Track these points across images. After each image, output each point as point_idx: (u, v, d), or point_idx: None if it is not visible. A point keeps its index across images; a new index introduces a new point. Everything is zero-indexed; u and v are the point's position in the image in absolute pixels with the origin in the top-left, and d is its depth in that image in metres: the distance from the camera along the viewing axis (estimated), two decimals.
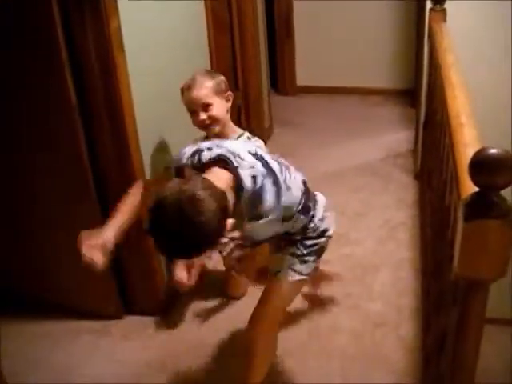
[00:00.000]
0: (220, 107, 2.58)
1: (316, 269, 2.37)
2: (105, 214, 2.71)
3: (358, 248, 3.31)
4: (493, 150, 1.25)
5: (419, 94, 4.11)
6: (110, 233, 1.96)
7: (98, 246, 1.92)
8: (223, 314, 2.99)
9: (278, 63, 5.89)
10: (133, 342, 2.85)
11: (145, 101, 2.67)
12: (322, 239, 2.26)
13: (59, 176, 2.65)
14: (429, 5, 3.53)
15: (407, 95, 5.53)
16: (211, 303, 3.07)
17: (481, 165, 1.25)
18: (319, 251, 2.29)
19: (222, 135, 2.58)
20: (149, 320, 2.96)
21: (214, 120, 2.57)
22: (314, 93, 5.82)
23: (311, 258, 2.26)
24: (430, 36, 3.51)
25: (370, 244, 3.45)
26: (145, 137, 2.68)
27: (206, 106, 2.55)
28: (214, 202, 1.53)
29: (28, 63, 2.42)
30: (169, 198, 1.51)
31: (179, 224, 1.49)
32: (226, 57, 4.39)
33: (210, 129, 2.59)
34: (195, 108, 2.56)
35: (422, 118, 3.98)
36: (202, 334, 2.87)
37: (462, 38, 3.30)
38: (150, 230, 1.55)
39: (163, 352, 2.78)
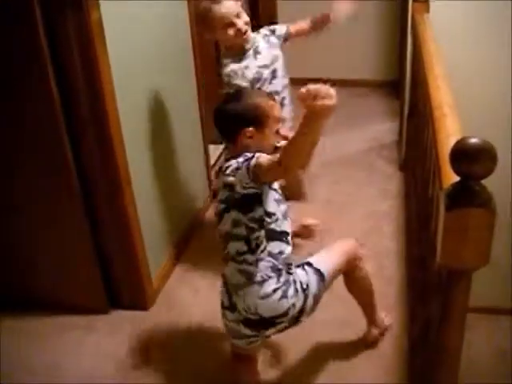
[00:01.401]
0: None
1: None
2: (88, 210, 2.72)
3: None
4: (473, 140, 1.26)
5: (403, 85, 4.12)
6: None
7: None
8: (212, 307, 2.99)
9: None
10: (119, 336, 2.83)
11: (127, 93, 2.67)
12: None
13: (43, 173, 2.64)
14: None
15: (392, 86, 5.54)
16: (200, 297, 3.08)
17: (461, 154, 1.27)
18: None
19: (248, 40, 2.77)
20: (135, 314, 2.95)
21: (247, 24, 2.72)
22: (298, 85, 5.79)
23: None
24: (414, 27, 3.52)
25: (354, 235, 3.44)
26: (128, 130, 2.67)
27: (239, 15, 2.69)
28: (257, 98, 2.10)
29: (8, 57, 2.40)
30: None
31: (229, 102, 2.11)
32: (210, 51, 4.38)
33: (246, 37, 2.73)
34: (230, 20, 2.66)
35: (406, 109, 4.00)
36: (189, 328, 2.87)
37: (445, 30, 3.32)
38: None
39: (149, 347, 2.77)
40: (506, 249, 3.24)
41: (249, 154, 1.95)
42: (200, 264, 3.32)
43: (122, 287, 2.96)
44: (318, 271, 2.20)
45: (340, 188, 4.00)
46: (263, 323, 2.11)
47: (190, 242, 3.52)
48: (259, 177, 1.89)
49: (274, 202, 2.04)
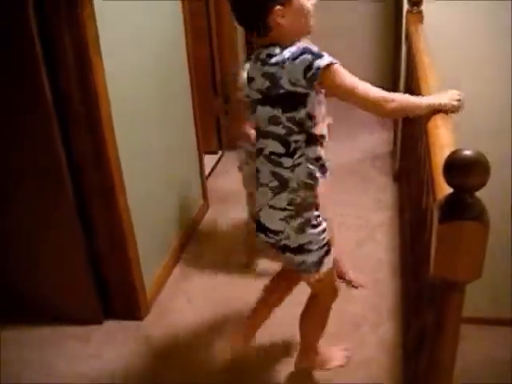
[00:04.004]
0: None
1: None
2: (82, 220, 2.72)
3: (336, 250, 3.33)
4: (467, 152, 1.26)
5: None
6: None
7: None
8: (206, 316, 2.99)
9: None
10: (113, 347, 2.82)
11: (122, 102, 2.66)
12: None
13: (36, 182, 2.64)
14: (406, 7, 3.55)
15: None
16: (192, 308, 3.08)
17: (455, 166, 1.26)
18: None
19: None
20: (129, 324, 2.94)
21: None
22: None
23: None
24: (407, 38, 3.53)
25: (349, 246, 3.46)
26: (123, 137, 2.67)
27: None
28: None
29: (3, 64, 2.41)
30: None
31: None
32: (205, 61, 4.40)
33: None
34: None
35: (401, 120, 4.01)
36: (182, 338, 2.87)
37: (439, 39, 3.33)
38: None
39: (143, 357, 2.76)
40: (497, 259, 3.24)
41: (308, 49, 1.85)
42: (195, 272, 3.32)
43: (117, 297, 2.95)
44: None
45: (334, 198, 3.98)
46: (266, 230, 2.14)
47: (184, 250, 3.52)
48: (326, 82, 1.84)
49: (315, 105, 1.93)
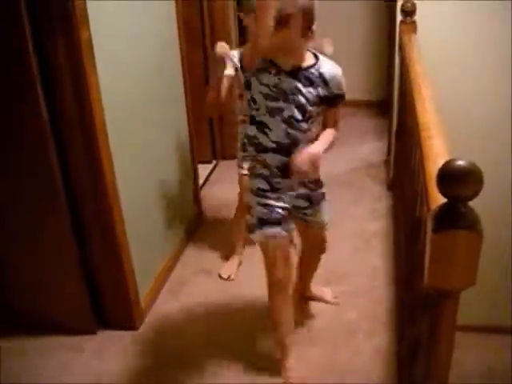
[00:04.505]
0: None
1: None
2: (76, 228, 2.71)
3: (332, 258, 3.32)
4: (460, 162, 1.27)
5: (391, 104, 4.15)
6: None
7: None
8: (201, 326, 2.99)
9: None
10: (107, 357, 2.81)
11: (116, 110, 2.67)
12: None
13: (29, 189, 2.63)
14: (399, 17, 3.58)
15: (380, 106, 5.58)
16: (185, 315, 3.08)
17: (448, 176, 1.27)
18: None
19: None
20: (123, 334, 2.93)
21: None
22: None
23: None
24: (401, 48, 3.55)
25: (344, 254, 3.47)
26: (117, 146, 2.67)
27: None
28: None
29: None
30: None
31: None
32: (199, 65, 4.40)
33: None
34: None
35: (394, 129, 4.03)
36: (177, 347, 2.86)
37: (432, 49, 3.35)
38: None
39: (138, 367, 2.75)
40: (493, 266, 3.26)
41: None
42: (190, 281, 3.32)
43: (111, 307, 2.94)
44: None
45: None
46: None
47: (178, 259, 3.52)
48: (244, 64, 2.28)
49: (259, 94, 2.26)
